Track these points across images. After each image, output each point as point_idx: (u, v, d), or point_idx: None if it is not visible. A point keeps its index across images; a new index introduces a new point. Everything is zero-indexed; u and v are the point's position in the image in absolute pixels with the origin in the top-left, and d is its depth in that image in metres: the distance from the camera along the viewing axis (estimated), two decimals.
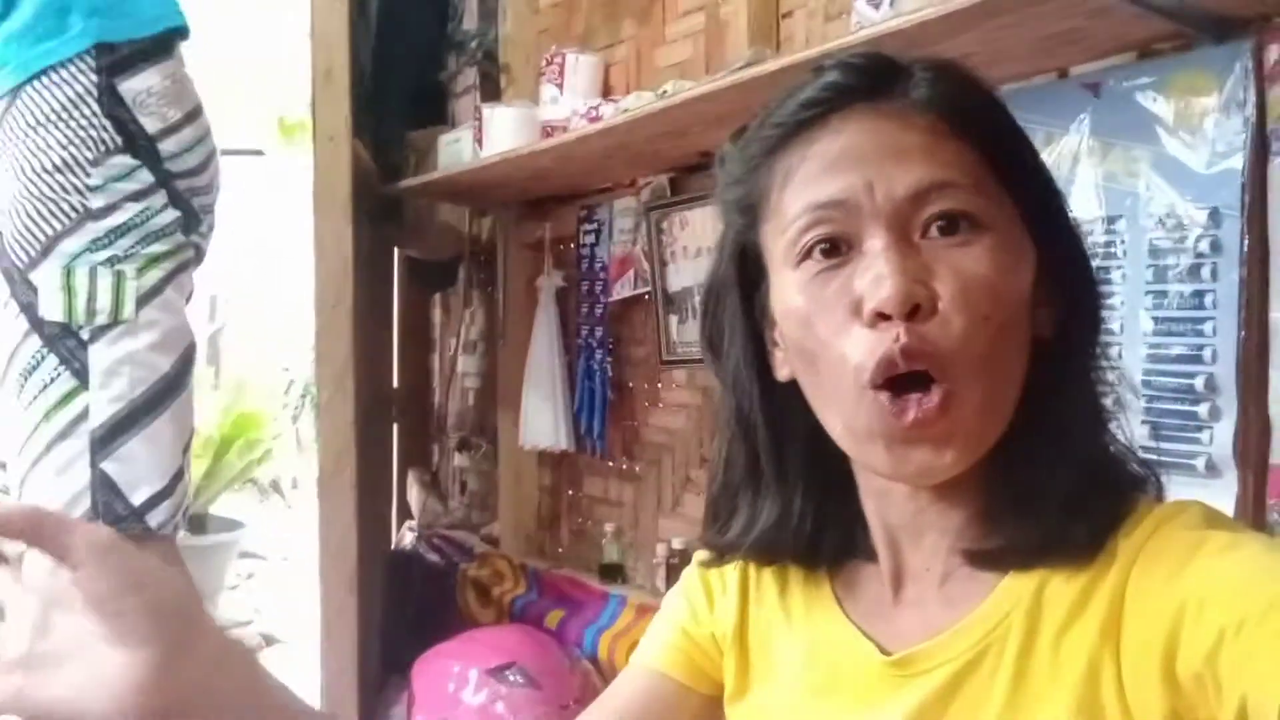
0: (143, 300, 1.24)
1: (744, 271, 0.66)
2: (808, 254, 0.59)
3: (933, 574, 0.64)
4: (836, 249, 0.59)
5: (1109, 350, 0.64)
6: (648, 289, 1.90)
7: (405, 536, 2.64)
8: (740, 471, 0.69)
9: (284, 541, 4.44)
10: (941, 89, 0.60)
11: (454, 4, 2.34)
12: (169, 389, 1.26)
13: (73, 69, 1.22)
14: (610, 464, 2.10)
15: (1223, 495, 1.08)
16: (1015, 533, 0.59)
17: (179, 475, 1.27)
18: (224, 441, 3.73)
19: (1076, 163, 1.20)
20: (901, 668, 0.62)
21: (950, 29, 1.09)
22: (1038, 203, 0.61)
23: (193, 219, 1.31)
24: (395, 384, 2.60)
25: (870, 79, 0.60)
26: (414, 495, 2.68)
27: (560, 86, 1.92)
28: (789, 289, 0.61)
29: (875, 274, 0.56)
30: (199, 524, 3.77)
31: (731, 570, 0.75)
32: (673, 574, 1.85)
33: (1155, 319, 1.14)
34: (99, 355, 1.22)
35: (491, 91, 2.22)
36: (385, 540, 2.57)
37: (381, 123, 2.27)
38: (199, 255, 1.35)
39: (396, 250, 2.50)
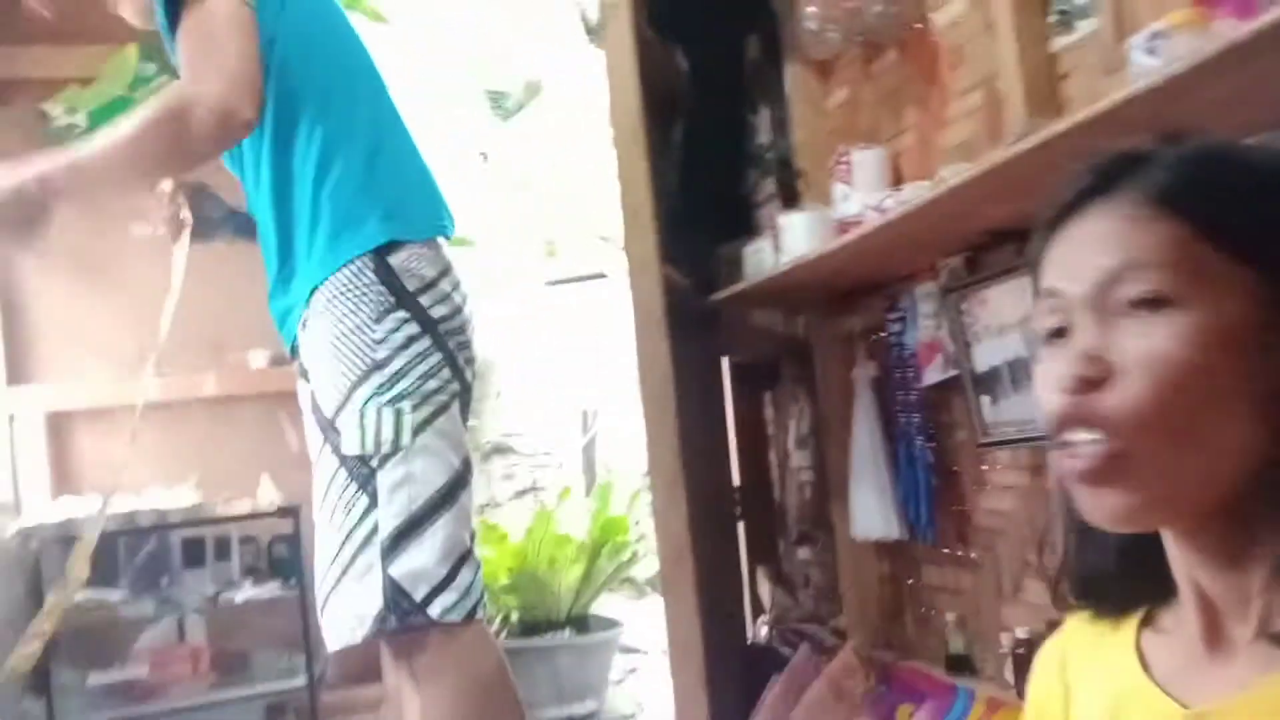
0: (418, 429, 1.47)
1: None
2: (1045, 338, 0.67)
3: (1245, 629, 0.64)
4: (1060, 333, 0.66)
5: None
6: (958, 371, 1.87)
7: (760, 631, 2.71)
8: (1067, 534, 0.74)
9: (663, 636, 4.67)
10: (1164, 173, 0.64)
11: (749, 121, 2.48)
12: (442, 501, 1.48)
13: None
14: (945, 551, 2.05)
15: None
16: None
17: (455, 570, 1.47)
18: (594, 546, 4.04)
19: None
20: None
21: (1217, 72, 1.03)
22: None
23: (453, 358, 1.55)
24: (737, 483, 2.71)
25: (1106, 178, 0.66)
26: (764, 590, 2.76)
27: (850, 184, 1.98)
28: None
29: (1070, 354, 0.63)
30: (582, 624, 4.07)
31: (1052, 654, 0.78)
32: (1020, 665, 1.77)
33: None
34: (384, 478, 1.46)
35: (791, 197, 2.31)
36: (740, 635, 2.66)
37: (695, 240, 2.43)
38: (465, 388, 1.59)
39: (726, 357, 2.65)
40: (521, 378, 5.52)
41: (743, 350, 2.60)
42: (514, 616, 4.00)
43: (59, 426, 3.40)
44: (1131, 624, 0.72)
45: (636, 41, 2.27)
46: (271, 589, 3.33)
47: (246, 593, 3.30)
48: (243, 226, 1.86)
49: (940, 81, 1.90)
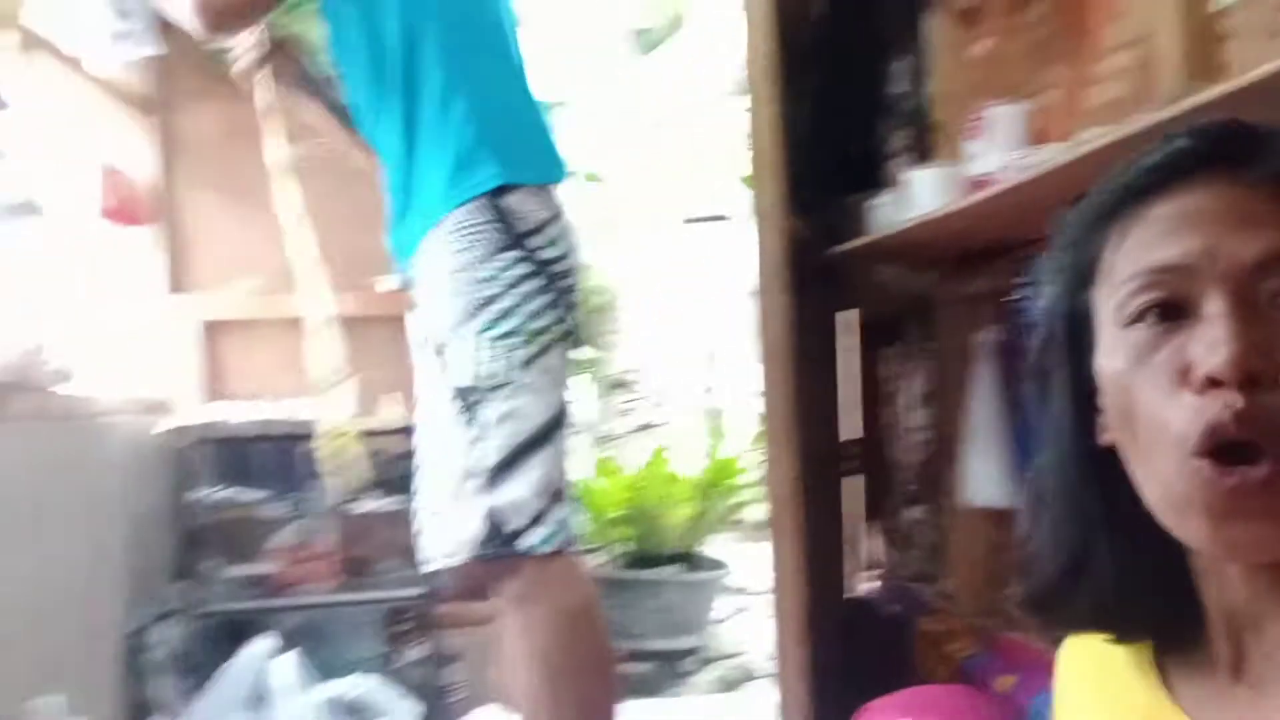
0: (525, 365, 1.54)
1: (1074, 334, 0.65)
2: (1138, 317, 0.59)
3: (1275, 662, 0.59)
4: (1169, 314, 0.58)
5: None
6: None
7: (865, 586, 2.71)
8: (1054, 538, 0.67)
9: (769, 579, 4.70)
10: None
11: (886, 70, 2.41)
12: (543, 437, 1.54)
13: None
14: None
15: None
16: None
17: (550, 504, 1.54)
18: (707, 486, 4.10)
19: None
20: None
21: None
22: None
23: (562, 299, 1.60)
24: (852, 439, 2.69)
25: (1222, 148, 0.60)
26: (874, 546, 2.75)
27: (985, 140, 1.91)
28: (1114, 352, 0.61)
29: (1212, 339, 0.55)
30: (691, 562, 4.15)
31: (1067, 679, 0.75)
32: None
33: None
34: (489, 411, 1.53)
35: (923, 150, 2.25)
36: (843, 589, 2.66)
37: (823, 190, 2.39)
38: (572, 330, 1.64)
39: (850, 311, 2.61)
40: (647, 314, 5.57)
41: (864, 305, 2.56)
42: (624, 549, 4.11)
43: (213, 334, 3.61)
44: (1146, 650, 0.67)
45: None
46: (397, 501, 3.49)
47: (373, 503, 3.47)
48: (318, 91, 1.94)
49: (1090, 38, 1.81)
